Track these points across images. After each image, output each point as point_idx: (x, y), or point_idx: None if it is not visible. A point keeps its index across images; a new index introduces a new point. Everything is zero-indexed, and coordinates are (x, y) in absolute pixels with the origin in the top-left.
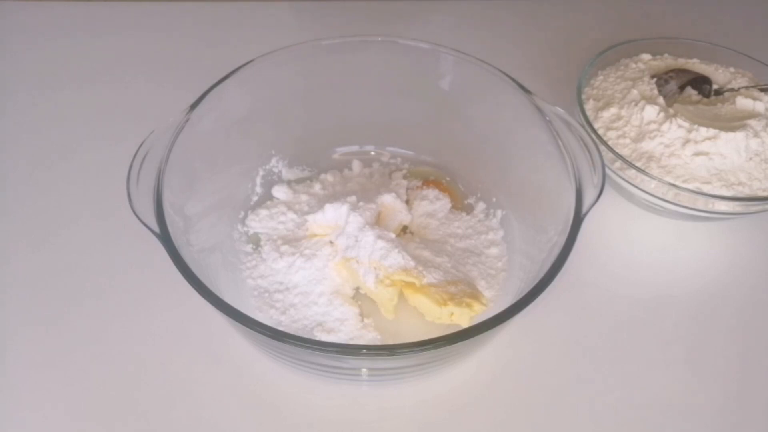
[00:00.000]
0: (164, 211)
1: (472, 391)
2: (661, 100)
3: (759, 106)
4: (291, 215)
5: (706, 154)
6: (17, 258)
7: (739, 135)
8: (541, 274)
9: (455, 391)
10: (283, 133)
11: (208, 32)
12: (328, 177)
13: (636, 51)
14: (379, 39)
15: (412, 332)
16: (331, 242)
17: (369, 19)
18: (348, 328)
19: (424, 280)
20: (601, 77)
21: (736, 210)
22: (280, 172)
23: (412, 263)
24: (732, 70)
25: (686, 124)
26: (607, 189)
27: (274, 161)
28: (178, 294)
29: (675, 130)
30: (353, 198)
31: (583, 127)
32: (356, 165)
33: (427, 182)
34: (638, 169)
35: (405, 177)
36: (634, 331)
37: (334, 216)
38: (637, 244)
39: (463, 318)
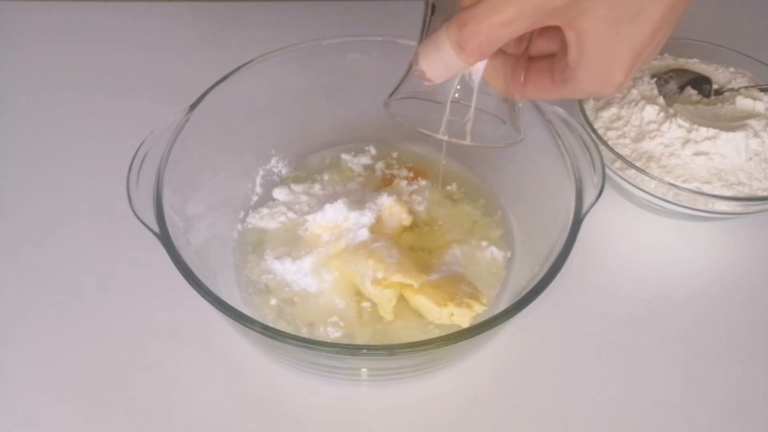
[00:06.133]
0: (164, 211)
1: (472, 391)
2: (661, 100)
3: (759, 106)
4: (291, 215)
5: (706, 154)
6: (17, 258)
7: (739, 135)
8: (541, 274)
9: (455, 391)
10: (283, 133)
11: (208, 32)
12: (328, 177)
13: None
14: (379, 39)
15: (412, 333)
16: (330, 242)
17: (369, 19)
18: (347, 328)
19: (423, 281)
20: None
21: (736, 210)
22: (280, 172)
23: (411, 264)
24: (732, 70)
25: (686, 124)
26: (607, 189)
27: (274, 161)
28: (178, 294)
29: (675, 130)
30: (353, 198)
31: (583, 127)
32: (356, 165)
33: (415, 170)
34: (638, 169)
35: (389, 168)
36: (634, 331)
37: (333, 216)
38: (637, 244)
39: (463, 318)
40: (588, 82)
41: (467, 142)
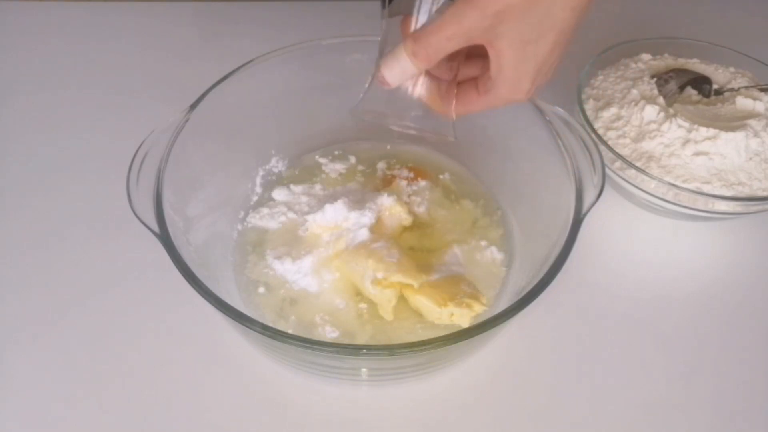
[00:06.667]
0: (164, 211)
1: (472, 391)
2: (661, 100)
3: (759, 106)
4: (291, 215)
5: (706, 154)
6: (17, 259)
7: (739, 135)
8: (541, 274)
9: (455, 391)
10: (283, 133)
11: (208, 32)
12: (328, 177)
13: (636, 51)
14: (379, 39)
15: (412, 333)
16: (330, 242)
17: (369, 19)
18: (347, 328)
19: (423, 281)
20: (601, 77)
21: (736, 210)
22: (280, 172)
23: (411, 264)
24: (732, 70)
25: (686, 124)
26: (607, 189)
27: (274, 161)
28: (178, 294)
29: (675, 130)
30: (353, 198)
31: (583, 127)
32: (332, 170)
33: (415, 171)
34: (638, 169)
35: (390, 168)
36: (634, 331)
37: (333, 216)
38: (637, 244)
39: (463, 318)
40: (505, 90)
41: (414, 132)
